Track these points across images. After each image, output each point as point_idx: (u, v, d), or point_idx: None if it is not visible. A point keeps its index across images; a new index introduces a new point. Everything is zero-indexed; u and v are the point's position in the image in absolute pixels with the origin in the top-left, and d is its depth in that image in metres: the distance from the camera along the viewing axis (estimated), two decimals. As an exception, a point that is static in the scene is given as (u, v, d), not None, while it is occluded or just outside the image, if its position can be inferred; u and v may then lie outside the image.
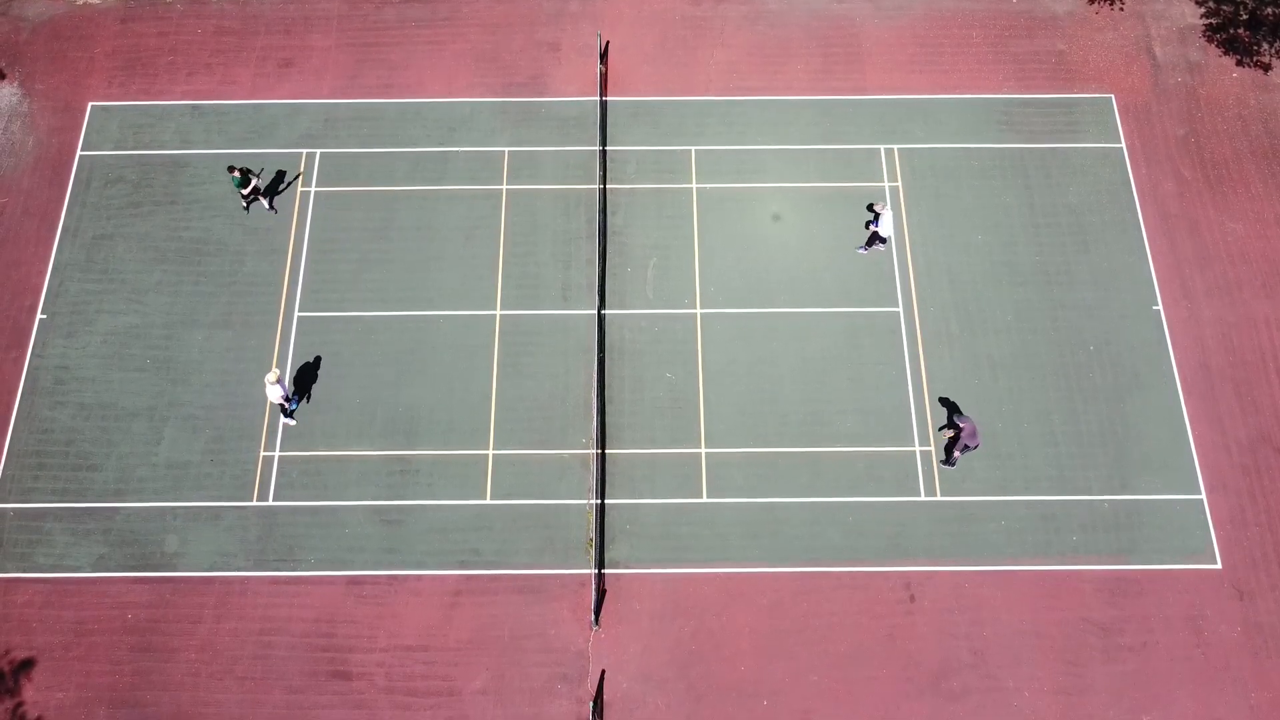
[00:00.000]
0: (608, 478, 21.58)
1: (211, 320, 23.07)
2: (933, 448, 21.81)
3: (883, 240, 23.49)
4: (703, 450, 21.84)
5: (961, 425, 20.52)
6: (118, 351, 22.77)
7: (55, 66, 26.19)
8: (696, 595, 20.51)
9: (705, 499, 21.37)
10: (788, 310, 23.28)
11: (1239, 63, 26.34)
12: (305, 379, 22.45)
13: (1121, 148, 25.15)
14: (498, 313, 23.26)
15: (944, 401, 22.12)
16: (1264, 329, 23.01)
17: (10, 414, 22.12)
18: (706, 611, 20.38)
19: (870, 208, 24.05)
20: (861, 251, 23.76)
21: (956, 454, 21.07)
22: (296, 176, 24.41)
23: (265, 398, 22.18)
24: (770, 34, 26.79)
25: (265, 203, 23.98)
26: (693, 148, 25.18)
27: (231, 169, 22.87)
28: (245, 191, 23.36)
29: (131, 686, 19.66)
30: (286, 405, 21.53)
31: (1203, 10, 27.15)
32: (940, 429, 21.76)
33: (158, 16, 26.94)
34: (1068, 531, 21.04)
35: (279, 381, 20.81)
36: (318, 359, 22.62)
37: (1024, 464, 21.67)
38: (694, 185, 24.75)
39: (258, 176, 23.81)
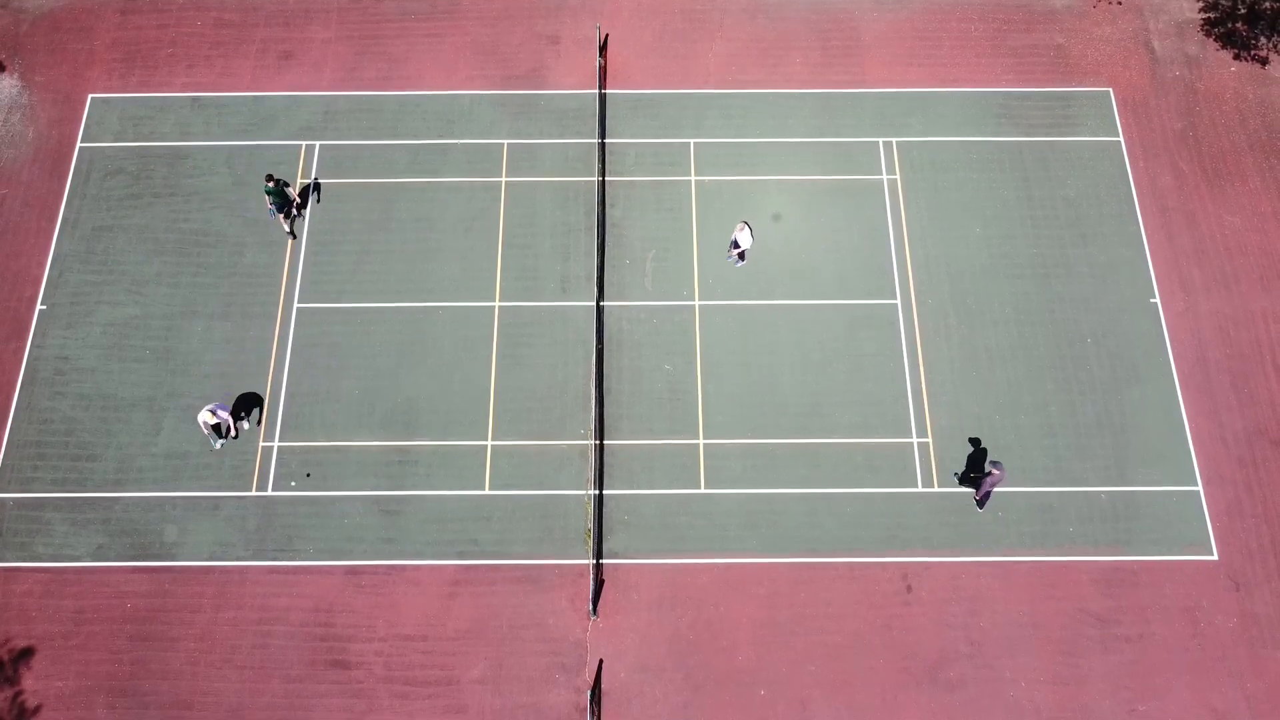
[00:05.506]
0: (606, 468, 21.63)
1: (211, 311, 23.12)
2: (930, 439, 21.86)
3: (738, 252, 23.19)
4: (701, 441, 21.89)
5: (987, 476, 20.04)
6: (117, 342, 22.81)
7: (55, 58, 26.22)
8: (694, 585, 20.57)
9: (703, 490, 21.42)
10: (786, 302, 23.33)
11: (1237, 56, 26.38)
12: (243, 406, 22.10)
13: (1120, 141, 25.18)
14: (497, 304, 23.30)
15: (974, 443, 21.85)
16: (1261, 322, 23.06)
17: (10, 404, 22.17)
18: (704, 601, 20.43)
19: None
20: (729, 259, 23.58)
21: (979, 496, 20.88)
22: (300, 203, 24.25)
23: (264, 389, 22.23)
24: (769, 27, 26.82)
25: (286, 225, 23.54)
26: (691, 140, 25.21)
27: (270, 177, 22.51)
28: (276, 202, 22.90)
29: (131, 675, 19.72)
30: (219, 430, 21.50)
31: (1201, 4, 27.18)
32: (957, 475, 21.50)
33: (157, 9, 26.97)
34: (1065, 523, 21.09)
35: (212, 414, 20.51)
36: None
37: (1021, 455, 21.72)
38: (693, 178, 24.78)
39: (293, 197, 23.26)
